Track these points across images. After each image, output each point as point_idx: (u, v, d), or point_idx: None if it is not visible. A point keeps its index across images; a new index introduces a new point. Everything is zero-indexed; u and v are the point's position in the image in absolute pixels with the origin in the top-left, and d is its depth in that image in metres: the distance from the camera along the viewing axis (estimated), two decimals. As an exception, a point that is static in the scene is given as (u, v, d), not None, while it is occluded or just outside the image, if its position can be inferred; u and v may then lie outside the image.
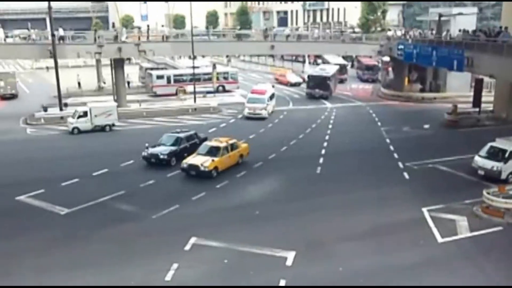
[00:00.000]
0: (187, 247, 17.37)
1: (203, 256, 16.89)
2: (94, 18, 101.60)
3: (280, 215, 20.50)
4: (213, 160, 25.06)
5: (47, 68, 67.36)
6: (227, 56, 75.23)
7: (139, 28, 66.87)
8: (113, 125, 35.67)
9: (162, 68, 55.01)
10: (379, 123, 38.67)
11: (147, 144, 27.64)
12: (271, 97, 42.27)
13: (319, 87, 48.96)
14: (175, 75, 51.30)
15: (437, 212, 20.52)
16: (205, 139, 29.23)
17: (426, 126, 37.55)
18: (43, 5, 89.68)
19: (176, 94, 49.03)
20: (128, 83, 53.84)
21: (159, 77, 50.32)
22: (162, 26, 47.01)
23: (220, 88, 51.84)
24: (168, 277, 15.33)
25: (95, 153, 29.33)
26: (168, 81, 50.30)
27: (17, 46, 38.46)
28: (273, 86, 45.11)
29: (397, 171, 26.54)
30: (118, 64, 41.39)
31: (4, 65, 59.17)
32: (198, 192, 22.88)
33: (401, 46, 43.84)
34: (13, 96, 50.25)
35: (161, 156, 26.83)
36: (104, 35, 42.88)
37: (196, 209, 21.29)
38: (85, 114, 34.70)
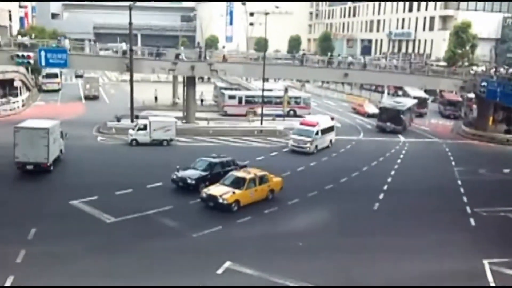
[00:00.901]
0: (220, 271, 16.85)
1: (233, 281, 16.27)
2: (181, 37, 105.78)
3: (325, 249, 19.43)
4: (234, 193, 22.88)
5: (131, 81, 70.80)
6: (300, 81, 74.93)
7: (223, 47, 68.67)
8: (171, 140, 36.13)
9: (235, 89, 55.69)
10: (453, 163, 36.20)
11: (178, 167, 26.36)
12: (326, 130, 38.06)
13: (391, 120, 46.14)
14: (246, 96, 51.69)
15: (499, 266, 18.44)
16: (244, 167, 27.46)
17: (506, 170, 34.61)
18: (136, 21, 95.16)
19: (245, 115, 49.27)
20: (202, 100, 55.13)
21: (231, 97, 50.95)
22: (237, 45, 47.99)
23: (291, 112, 51.42)
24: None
25: (152, 166, 29.75)
26: (240, 101, 50.75)
27: (99, 58, 40.48)
28: (332, 119, 42.02)
29: (463, 216, 24.45)
30: (190, 82, 42.35)
31: (93, 73, 62.95)
32: (245, 216, 22.36)
33: (484, 83, 41.14)
34: (95, 97, 58.35)
35: (189, 181, 25.27)
36: (186, 53, 44.27)
37: (239, 232, 20.75)
38: (144, 127, 35.52)
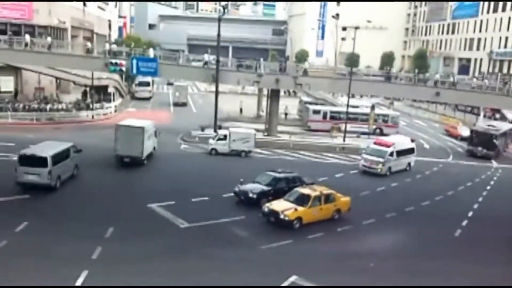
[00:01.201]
0: (285, 283, 16.62)
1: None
2: (272, 50, 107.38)
3: (395, 273, 18.49)
4: (296, 210, 22.14)
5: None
6: (388, 98, 72.67)
7: (305, 60, 68.57)
8: (250, 152, 36.57)
9: (320, 104, 55.19)
10: (551, 194, 33.13)
11: (241, 180, 26.01)
12: (403, 152, 35.70)
13: (483, 145, 42.98)
14: (331, 112, 51.05)
15: None
16: (311, 184, 26.20)
17: None
18: (227, 34, 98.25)
19: (330, 130, 48.68)
20: (286, 114, 55.29)
21: (316, 112, 50.59)
22: (327, 60, 47.46)
23: (378, 130, 49.98)
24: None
25: (229, 176, 30.15)
26: (324, 117, 50.27)
27: (187, 68, 41.97)
28: (413, 141, 38.69)
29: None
30: (274, 95, 42.64)
31: (183, 82, 65.69)
32: (316, 232, 21.95)
33: None
34: (183, 104, 61.98)
35: (250, 195, 24.69)
36: (270, 65, 44.84)
37: (308, 248, 20.38)
38: (224, 137, 36.34)
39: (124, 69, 39.51)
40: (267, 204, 22.92)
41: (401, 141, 37.54)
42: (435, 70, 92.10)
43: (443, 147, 48.05)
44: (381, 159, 34.13)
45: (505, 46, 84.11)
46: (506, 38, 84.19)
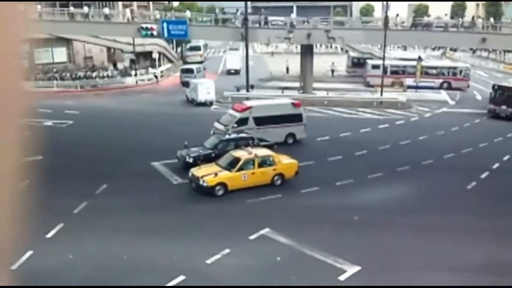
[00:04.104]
0: (253, 236, 16.57)
1: (260, 248, 15.90)
2: (335, 7, 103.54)
3: (381, 226, 17.76)
4: (216, 174, 20.07)
5: (272, 53, 72.26)
6: (440, 48, 67.96)
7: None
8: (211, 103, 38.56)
9: (366, 58, 52.96)
10: None
11: (186, 143, 23.89)
12: (270, 120, 27.32)
13: (507, 103, 35.70)
14: (392, 66, 48.73)
15: None
16: (271, 147, 23.80)
17: None
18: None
19: (392, 85, 46.72)
20: (333, 71, 53.88)
21: (375, 67, 48.32)
22: (397, 15, 44.08)
23: (445, 84, 47.18)
24: (210, 261, 14.89)
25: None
26: (385, 71, 48.06)
27: (215, 28, 41.70)
28: (296, 105, 28.69)
29: None
30: (307, 51, 41.47)
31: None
32: (312, 186, 21.46)
33: None
34: (236, 72, 56.19)
35: (187, 159, 22.70)
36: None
37: (296, 202, 20.07)
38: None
39: (155, 33, 40.15)
40: (192, 169, 21.02)
41: (277, 104, 29.57)
42: (510, 16, 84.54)
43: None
44: (223, 128, 26.81)
45: None
46: None
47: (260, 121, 27.01)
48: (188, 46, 66.47)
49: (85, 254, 15.23)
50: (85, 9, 42.72)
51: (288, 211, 19.08)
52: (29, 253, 14.78)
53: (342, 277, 14.18)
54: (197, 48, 65.99)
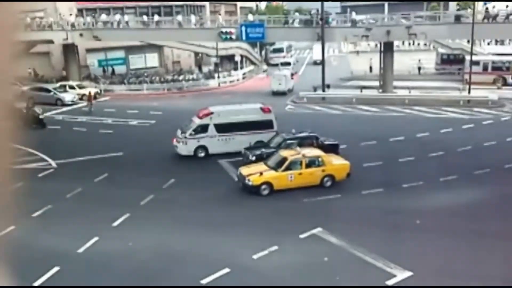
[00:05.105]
0: (304, 235, 16.51)
1: (309, 247, 15.84)
2: (431, 1, 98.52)
3: (444, 232, 16.78)
4: (261, 173, 19.93)
5: (358, 52, 70.77)
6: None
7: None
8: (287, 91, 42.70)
9: (456, 55, 49.95)
10: None
11: (250, 143, 24.47)
12: (234, 127, 25.58)
13: None
14: (493, 62, 45.69)
15: None
16: (333, 149, 23.51)
17: None
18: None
19: (493, 83, 43.93)
20: (419, 68, 51.76)
21: (475, 63, 45.46)
22: (493, 7, 40.65)
23: None
24: (256, 256, 15.08)
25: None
26: (485, 68, 45.24)
27: (291, 29, 41.54)
28: (266, 110, 26.63)
29: None
30: (386, 48, 40.13)
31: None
32: (375, 187, 20.83)
33: None
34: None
35: (250, 157, 22.92)
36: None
37: (356, 203, 19.62)
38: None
39: (234, 36, 41.16)
40: (240, 168, 21.18)
41: (242, 109, 27.08)
42: None
43: None
44: (181, 135, 25.46)
45: None
46: None
47: (223, 128, 25.21)
48: (271, 48, 67.11)
49: (143, 243, 16.23)
50: (179, 17, 44.85)
51: (345, 212, 18.77)
52: (95, 239, 16.18)
53: (390, 282, 13.71)
54: (280, 50, 66.44)
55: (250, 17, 42.65)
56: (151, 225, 17.58)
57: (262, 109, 26.09)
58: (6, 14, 0.73)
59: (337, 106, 38.06)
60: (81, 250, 15.68)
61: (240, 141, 24.73)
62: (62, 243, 16.20)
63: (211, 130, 25.12)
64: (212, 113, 25.43)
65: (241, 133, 25.13)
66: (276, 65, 64.52)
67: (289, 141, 23.62)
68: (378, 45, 61.56)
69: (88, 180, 22.17)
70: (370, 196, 20.16)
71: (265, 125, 25.58)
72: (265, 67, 60.52)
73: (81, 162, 25.30)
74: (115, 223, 17.67)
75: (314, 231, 16.76)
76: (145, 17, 45.84)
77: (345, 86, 46.30)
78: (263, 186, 19.97)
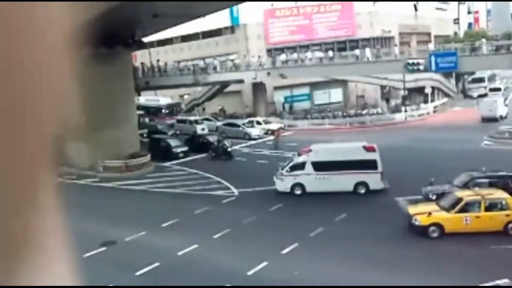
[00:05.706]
0: (489, 284, 14.53)
1: None
2: None
3: None
4: (429, 214, 18.26)
5: None
6: None
7: None
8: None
9: None
10: None
11: (432, 179, 22.79)
12: (333, 165, 24.17)
13: None
14: None
15: None
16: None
17: None
18: None
19: None
20: None
21: None
22: None
23: None
24: None
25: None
26: None
27: (491, 57, 37.51)
28: (369, 149, 24.77)
29: None
30: None
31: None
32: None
33: None
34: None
35: (430, 196, 21.65)
36: None
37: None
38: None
39: (421, 67, 39.07)
40: (409, 206, 20.15)
41: (343, 147, 26.16)
42: None
43: None
44: (280, 171, 25.31)
45: None
46: None
47: (321, 166, 24.18)
48: (469, 78, 61.90)
49: (307, 273, 16.21)
50: (356, 51, 45.04)
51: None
52: (264, 263, 16.78)
53: None
54: (481, 80, 60.65)
55: (431, 46, 40.15)
56: (317, 257, 17.46)
57: (365, 148, 24.74)
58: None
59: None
60: (250, 272, 16.33)
61: (339, 181, 23.97)
62: (234, 264, 17.12)
63: (308, 167, 24.59)
64: (310, 150, 25.21)
65: (341, 173, 24.10)
66: (473, 97, 58.47)
67: (478, 180, 21.42)
68: None
69: (263, 209, 23.14)
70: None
71: (368, 165, 24.13)
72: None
73: (260, 191, 26.54)
74: (284, 251, 18.03)
75: (499, 281, 14.68)
76: (330, 53, 46.78)
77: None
78: (432, 228, 18.54)
